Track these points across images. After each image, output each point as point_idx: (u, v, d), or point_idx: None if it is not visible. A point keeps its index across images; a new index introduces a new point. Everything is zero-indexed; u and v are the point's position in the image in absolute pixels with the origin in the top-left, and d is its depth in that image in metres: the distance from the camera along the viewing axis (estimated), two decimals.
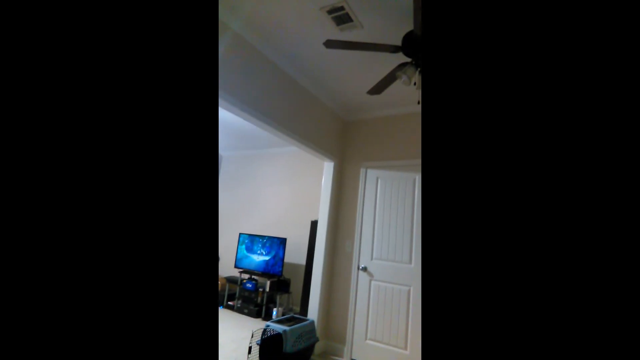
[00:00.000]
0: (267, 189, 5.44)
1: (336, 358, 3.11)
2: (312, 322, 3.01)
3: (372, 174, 3.39)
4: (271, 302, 4.47)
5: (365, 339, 3.06)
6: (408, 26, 2.16)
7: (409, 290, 2.93)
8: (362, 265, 3.22)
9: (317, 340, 3.02)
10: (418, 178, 3.12)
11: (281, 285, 4.44)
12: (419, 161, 3.14)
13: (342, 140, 3.67)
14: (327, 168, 3.52)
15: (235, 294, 4.82)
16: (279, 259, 4.44)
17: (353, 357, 3.08)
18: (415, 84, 1.98)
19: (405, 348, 2.84)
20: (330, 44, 1.95)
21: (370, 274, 3.16)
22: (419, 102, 1.98)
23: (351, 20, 2.15)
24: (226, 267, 5.57)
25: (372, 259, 3.19)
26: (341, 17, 2.13)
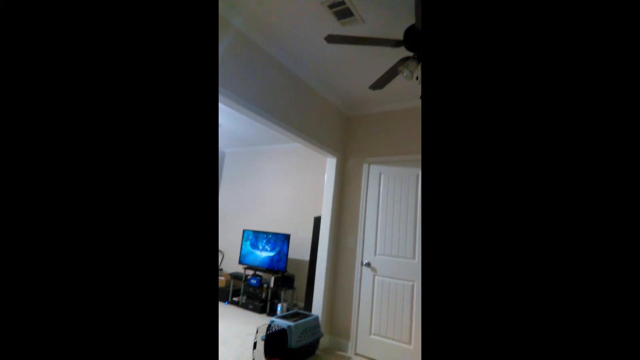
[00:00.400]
0: (271, 186, 5.44)
1: (341, 353, 3.12)
2: (317, 317, 3.03)
3: (374, 169, 3.38)
4: (275, 297, 4.49)
5: (370, 333, 3.07)
6: (410, 20, 2.14)
7: (413, 285, 2.94)
8: (365, 261, 3.23)
9: (322, 335, 3.04)
10: (421, 173, 3.11)
11: (285, 281, 4.46)
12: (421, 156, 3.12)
13: (344, 135, 3.66)
14: (330, 164, 3.51)
15: (239, 290, 4.84)
16: (283, 255, 4.46)
17: (357, 352, 3.09)
18: (417, 78, 1.97)
19: (409, 343, 2.85)
20: (331, 38, 1.93)
21: (374, 269, 3.16)
22: (421, 97, 1.97)
23: (352, 15, 2.13)
24: (230, 264, 5.60)
25: (375, 254, 3.19)
26: (342, 11, 2.11)
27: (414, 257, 2.98)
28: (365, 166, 3.44)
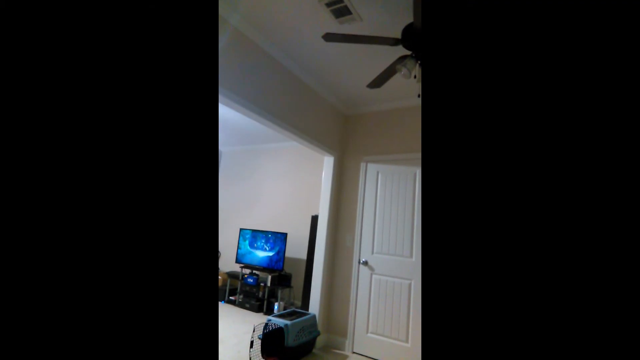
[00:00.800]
0: (267, 184, 5.43)
1: (338, 351, 3.13)
2: (314, 316, 3.03)
3: (372, 168, 3.38)
4: (272, 296, 4.49)
5: (367, 332, 3.07)
6: (408, 18, 2.14)
7: (410, 284, 2.94)
8: (363, 259, 3.23)
9: (319, 334, 3.04)
10: (419, 172, 3.11)
11: (282, 279, 4.46)
12: (420, 155, 3.13)
13: (342, 134, 3.65)
14: (327, 162, 3.51)
15: (236, 289, 4.83)
16: (281, 254, 4.45)
17: (354, 350, 3.09)
18: (415, 77, 1.97)
19: (407, 341, 2.85)
20: (329, 37, 1.93)
21: (371, 268, 3.17)
22: (419, 95, 1.97)
23: (350, 13, 2.13)
24: (227, 263, 5.58)
25: (372, 252, 3.19)
26: (340, 9, 2.11)
27: (411, 256, 2.99)
28: (362, 165, 3.44)
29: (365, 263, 3.21)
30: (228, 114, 4.37)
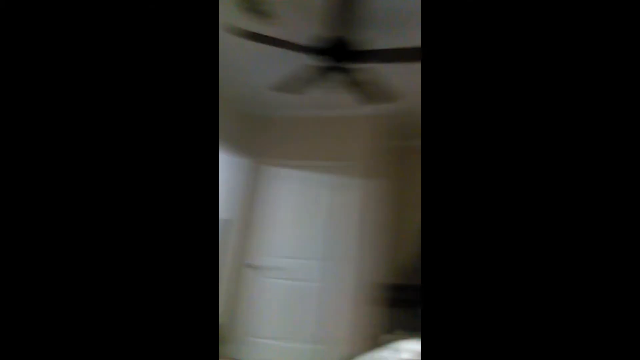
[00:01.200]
0: None
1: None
2: None
3: (277, 171, 3.32)
4: None
5: (252, 336, 2.98)
6: (324, 27, 2.08)
7: (311, 286, 2.96)
8: (251, 262, 3.11)
9: None
10: (324, 177, 3.16)
11: None
12: (327, 163, 3.20)
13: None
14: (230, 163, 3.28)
15: None
16: None
17: (236, 357, 2.97)
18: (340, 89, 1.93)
19: (310, 343, 2.87)
20: (236, 31, 1.73)
21: (262, 270, 3.08)
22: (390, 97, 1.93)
23: (266, 12, 1.96)
24: None
25: (265, 255, 3.11)
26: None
27: (313, 258, 3.00)
28: (267, 168, 3.37)
29: (254, 266, 3.09)
30: None
